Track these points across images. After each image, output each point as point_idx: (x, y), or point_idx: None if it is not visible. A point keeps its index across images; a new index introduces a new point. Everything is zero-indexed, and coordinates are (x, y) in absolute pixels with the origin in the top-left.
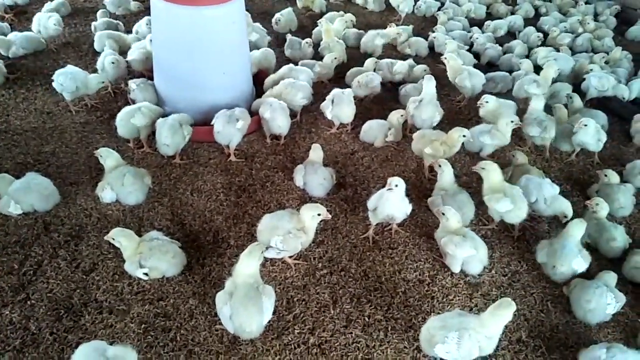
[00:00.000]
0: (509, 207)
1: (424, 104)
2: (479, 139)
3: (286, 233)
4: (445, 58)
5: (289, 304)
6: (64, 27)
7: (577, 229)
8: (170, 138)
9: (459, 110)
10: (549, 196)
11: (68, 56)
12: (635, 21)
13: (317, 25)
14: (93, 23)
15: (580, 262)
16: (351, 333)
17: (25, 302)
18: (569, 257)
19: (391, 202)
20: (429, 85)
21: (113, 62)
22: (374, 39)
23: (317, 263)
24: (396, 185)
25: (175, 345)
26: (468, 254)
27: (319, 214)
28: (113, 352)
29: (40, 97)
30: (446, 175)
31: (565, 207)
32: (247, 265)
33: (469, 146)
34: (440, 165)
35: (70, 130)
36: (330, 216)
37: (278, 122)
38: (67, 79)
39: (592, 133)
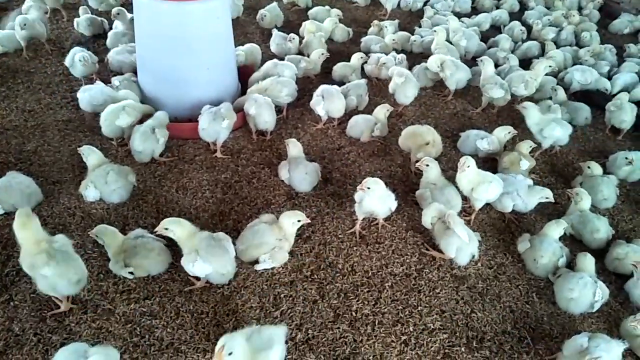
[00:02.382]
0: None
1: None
2: (475, 143)
3: (272, 249)
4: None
5: (276, 300)
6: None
7: (553, 230)
8: (142, 145)
9: (444, 104)
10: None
11: (50, 53)
12: (618, 14)
13: (302, 20)
14: (75, 19)
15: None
16: (339, 328)
17: (8, 304)
18: (549, 250)
19: (372, 200)
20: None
21: (81, 60)
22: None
23: (304, 259)
24: (368, 188)
25: (161, 344)
26: (465, 237)
27: (298, 220)
28: (94, 352)
29: (22, 95)
30: (433, 171)
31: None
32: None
33: (463, 148)
34: (427, 165)
35: (52, 128)
36: (309, 220)
37: (264, 117)
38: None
39: (535, 119)
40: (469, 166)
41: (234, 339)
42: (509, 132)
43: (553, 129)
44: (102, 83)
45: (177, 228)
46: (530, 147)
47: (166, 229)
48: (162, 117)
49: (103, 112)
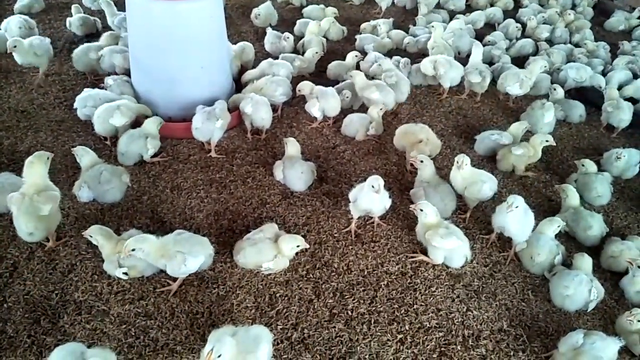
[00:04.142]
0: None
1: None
2: (491, 140)
3: (273, 259)
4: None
5: (272, 300)
6: (34, 27)
7: (548, 228)
8: (126, 147)
9: (439, 102)
10: None
11: None
12: (611, 12)
13: (297, 19)
14: (68, 19)
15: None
16: (334, 327)
17: (2, 305)
18: (546, 247)
19: (369, 198)
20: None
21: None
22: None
23: (300, 258)
24: (377, 191)
25: (156, 345)
26: (455, 245)
27: (297, 245)
28: (91, 354)
29: (14, 96)
30: (427, 169)
31: None
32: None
33: (480, 150)
34: (422, 161)
35: (45, 129)
36: (308, 245)
37: (261, 114)
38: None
39: (360, 84)
40: (467, 164)
41: (223, 341)
42: (547, 141)
43: (372, 92)
44: (97, 88)
45: (145, 245)
46: (547, 140)
47: (133, 249)
48: (154, 127)
49: (97, 110)
